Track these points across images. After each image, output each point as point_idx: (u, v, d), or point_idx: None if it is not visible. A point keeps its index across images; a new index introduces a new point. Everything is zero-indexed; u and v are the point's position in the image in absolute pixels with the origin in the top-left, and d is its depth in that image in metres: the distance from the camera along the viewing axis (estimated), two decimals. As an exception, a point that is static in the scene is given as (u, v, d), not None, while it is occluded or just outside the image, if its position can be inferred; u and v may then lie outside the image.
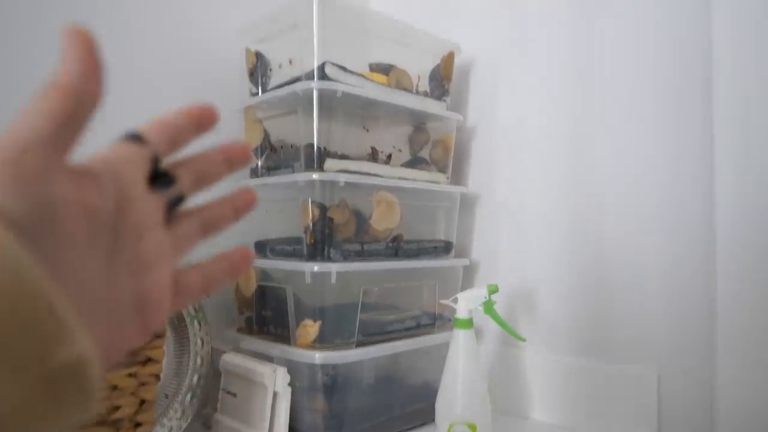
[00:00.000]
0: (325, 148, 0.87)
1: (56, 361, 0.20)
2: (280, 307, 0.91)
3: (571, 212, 0.95)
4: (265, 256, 0.97)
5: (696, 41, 0.82)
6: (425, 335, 0.96)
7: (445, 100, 1.05)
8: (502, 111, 1.06)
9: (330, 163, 0.86)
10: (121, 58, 0.63)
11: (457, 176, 1.11)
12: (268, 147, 0.98)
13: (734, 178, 0.75)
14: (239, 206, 0.35)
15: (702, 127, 0.81)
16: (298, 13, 0.89)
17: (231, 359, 0.89)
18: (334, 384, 0.85)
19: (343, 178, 0.85)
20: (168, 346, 0.90)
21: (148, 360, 0.71)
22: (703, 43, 0.80)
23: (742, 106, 0.75)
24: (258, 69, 0.98)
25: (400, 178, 0.95)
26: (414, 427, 0.94)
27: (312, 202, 0.86)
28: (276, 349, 0.86)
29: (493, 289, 0.86)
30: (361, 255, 0.90)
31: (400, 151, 1.03)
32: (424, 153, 1.06)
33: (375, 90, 0.92)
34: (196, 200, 0.34)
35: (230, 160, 0.34)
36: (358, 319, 0.88)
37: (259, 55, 0.98)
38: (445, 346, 0.86)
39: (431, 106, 1.01)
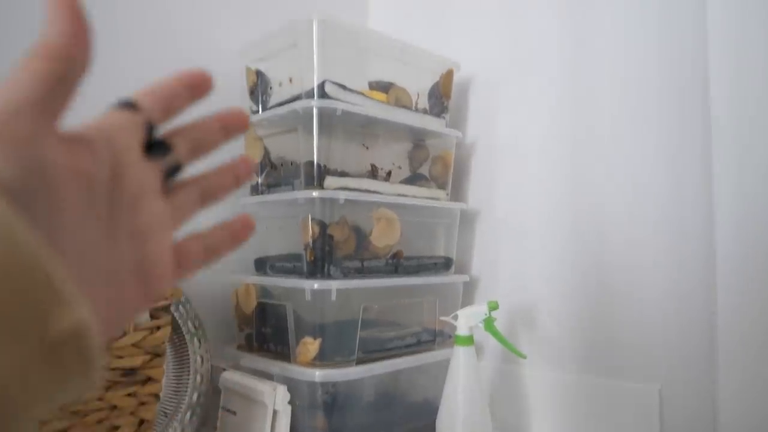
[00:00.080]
0: (325, 166, 0.88)
1: (55, 329, 0.20)
2: (280, 324, 0.90)
3: (571, 228, 0.95)
4: (265, 273, 0.97)
5: (693, 55, 0.82)
6: (426, 352, 0.96)
7: (444, 117, 1.06)
8: (501, 127, 1.07)
9: (330, 181, 0.87)
10: (123, 76, 0.64)
11: (457, 192, 1.12)
12: (268, 164, 0.99)
13: (734, 190, 0.75)
14: (239, 174, 0.34)
15: (700, 140, 0.81)
16: (298, 33, 0.90)
17: (231, 377, 0.88)
18: (334, 402, 0.85)
19: (342, 195, 0.86)
20: (167, 363, 0.89)
21: (148, 379, 0.71)
22: (700, 56, 0.80)
23: (741, 117, 0.75)
24: (258, 87, 0.99)
25: (399, 195, 0.95)
26: (415, 445, 0.93)
27: (312, 219, 0.86)
28: (276, 366, 0.86)
29: (494, 306, 0.86)
30: (361, 272, 0.90)
31: (399, 167, 1.04)
32: (424, 170, 1.06)
33: (374, 108, 0.92)
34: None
35: (227, 127, 0.33)
36: (358, 336, 0.87)
37: (259, 74, 0.99)
38: (445, 363, 0.86)
39: (430, 123, 1.02)
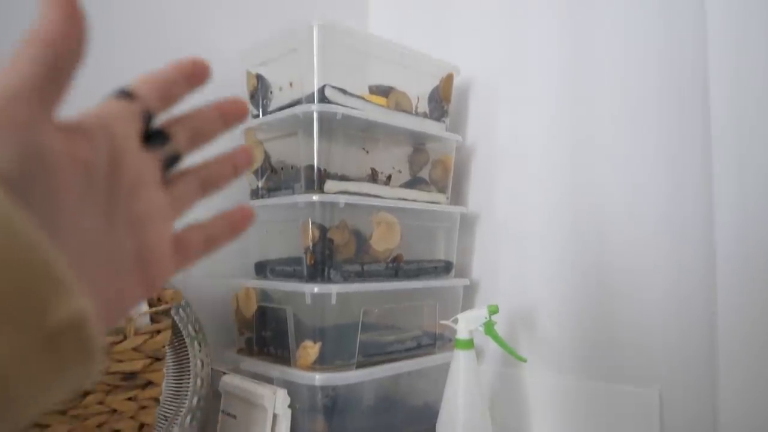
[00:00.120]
0: (325, 170, 0.88)
1: (54, 317, 0.20)
2: (280, 328, 0.91)
3: (571, 231, 0.95)
4: (265, 277, 0.97)
5: (693, 56, 0.82)
6: (426, 356, 0.96)
7: (444, 121, 1.06)
8: (501, 131, 1.07)
9: (330, 185, 0.87)
10: (123, 81, 0.64)
11: (457, 196, 1.12)
12: (268, 168, 0.99)
13: (734, 191, 0.75)
14: (238, 163, 0.34)
15: (700, 141, 0.81)
16: (298, 38, 0.90)
17: (231, 381, 0.88)
18: (334, 405, 0.85)
19: (343, 199, 0.86)
20: (167, 367, 0.89)
21: (148, 383, 0.71)
22: (700, 58, 0.80)
23: (741, 118, 0.75)
24: (259, 91, 0.99)
25: (399, 199, 0.95)
26: (415, 449, 0.93)
27: (312, 223, 0.86)
28: (276, 370, 0.86)
29: (494, 310, 0.87)
30: (361, 275, 0.90)
31: (399, 171, 1.04)
32: (424, 173, 1.07)
33: (375, 112, 0.93)
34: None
35: (226, 115, 0.33)
36: (358, 340, 0.87)
37: (259, 78, 1.00)
38: (445, 367, 0.86)
39: (430, 127, 1.02)
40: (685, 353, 0.82)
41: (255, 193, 0.99)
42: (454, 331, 0.86)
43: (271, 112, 0.95)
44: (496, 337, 0.87)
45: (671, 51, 0.86)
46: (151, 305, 0.76)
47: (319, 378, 0.81)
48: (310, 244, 0.86)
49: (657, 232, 0.86)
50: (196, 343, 0.91)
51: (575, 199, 0.95)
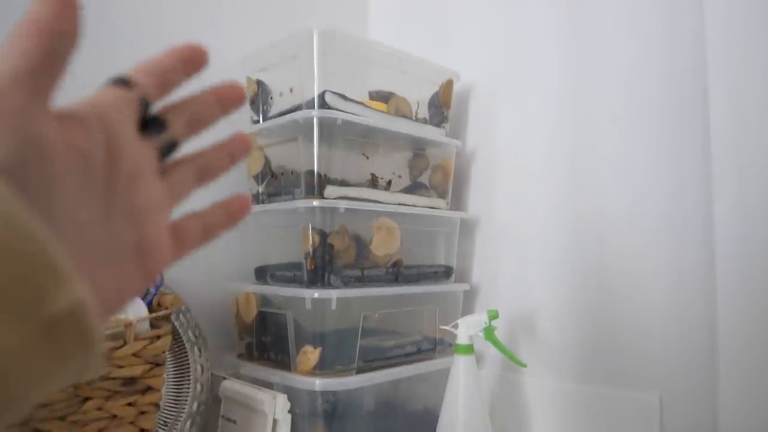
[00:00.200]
0: (325, 175, 0.88)
1: (53, 307, 0.20)
2: (280, 333, 0.91)
3: (571, 235, 0.95)
4: (265, 282, 0.97)
5: (692, 61, 0.83)
6: (426, 361, 0.96)
7: (444, 127, 1.06)
8: (500, 136, 1.08)
9: (330, 190, 0.87)
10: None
11: (457, 201, 1.12)
12: (268, 173, 0.99)
13: (734, 194, 0.76)
14: (235, 151, 0.34)
15: (700, 146, 0.81)
16: (298, 43, 0.91)
17: (231, 386, 0.88)
18: (334, 411, 0.85)
19: (343, 204, 0.86)
20: (167, 372, 0.89)
21: (148, 389, 0.71)
22: (699, 62, 0.81)
23: (740, 122, 0.76)
24: (259, 97, 1.00)
25: (399, 204, 0.95)
26: (415, 455, 0.93)
27: (312, 228, 0.86)
28: (276, 375, 0.86)
29: (494, 315, 0.87)
30: (362, 281, 0.90)
31: (399, 176, 1.04)
32: (424, 178, 1.07)
33: (375, 117, 0.93)
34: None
35: (223, 101, 0.33)
36: (358, 345, 0.87)
37: (260, 84, 1.00)
38: (445, 372, 0.86)
39: (430, 132, 1.02)
40: (686, 357, 0.82)
41: (255, 198, 1.00)
42: (454, 336, 0.87)
43: (271, 118, 0.96)
44: (496, 342, 0.87)
45: (671, 57, 0.86)
46: (151, 311, 0.76)
47: (319, 383, 0.81)
48: (311, 249, 0.86)
49: (657, 236, 0.86)
50: (196, 348, 0.91)
51: (575, 204, 0.95)
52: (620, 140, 0.91)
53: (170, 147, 0.30)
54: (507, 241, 1.04)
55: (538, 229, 0.99)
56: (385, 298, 0.93)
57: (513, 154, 1.05)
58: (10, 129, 0.21)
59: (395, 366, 0.91)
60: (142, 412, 0.71)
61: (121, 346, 0.68)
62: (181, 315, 0.90)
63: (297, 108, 0.90)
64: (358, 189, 0.91)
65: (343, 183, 0.91)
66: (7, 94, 0.21)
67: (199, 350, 0.91)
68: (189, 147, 0.32)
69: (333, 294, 0.84)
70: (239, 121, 1.02)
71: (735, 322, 0.75)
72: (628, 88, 0.90)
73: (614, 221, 0.90)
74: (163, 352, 0.72)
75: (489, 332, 0.87)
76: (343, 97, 0.89)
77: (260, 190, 0.99)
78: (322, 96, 0.87)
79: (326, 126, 0.88)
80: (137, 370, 0.69)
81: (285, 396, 0.80)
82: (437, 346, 1.00)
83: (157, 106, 0.30)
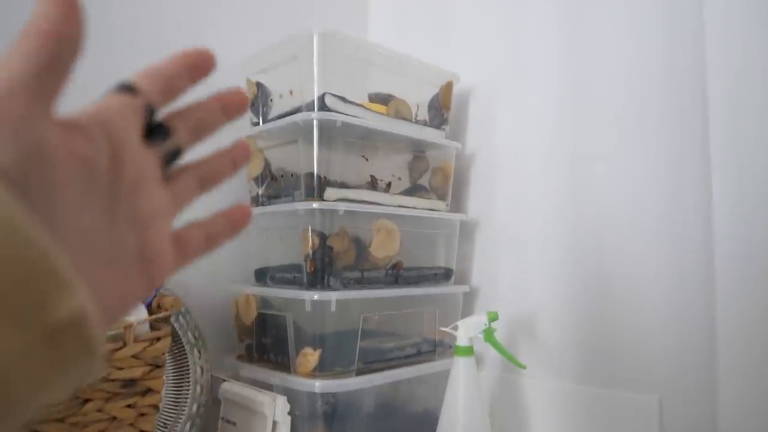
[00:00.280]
0: (325, 177, 0.89)
1: (55, 314, 0.20)
2: (280, 334, 0.91)
3: (570, 238, 0.95)
4: (265, 284, 0.97)
5: (692, 64, 0.83)
6: (426, 362, 0.96)
7: (444, 129, 1.06)
8: (500, 138, 1.08)
9: (330, 192, 0.87)
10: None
11: (457, 203, 1.12)
12: (268, 176, 0.99)
13: (733, 197, 0.76)
14: (237, 158, 0.34)
15: (700, 149, 0.81)
16: (298, 46, 0.91)
17: (230, 388, 0.88)
18: (334, 412, 0.85)
19: (342, 206, 0.86)
20: (167, 374, 0.89)
21: (148, 390, 0.71)
22: (699, 63, 0.81)
23: (740, 122, 0.76)
24: (259, 99, 1.00)
25: (399, 206, 0.95)
26: (415, 457, 0.93)
27: (312, 230, 0.86)
28: (276, 377, 0.86)
29: (493, 317, 0.87)
30: (361, 282, 0.90)
31: (399, 179, 1.04)
32: (424, 180, 1.07)
33: (374, 120, 0.93)
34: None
35: (227, 107, 0.32)
36: (358, 346, 0.88)
37: (260, 86, 1.00)
38: (445, 374, 0.86)
39: (430, 134, 1.03)
40: (685, 359, 0.82)
41: (255, 200, 1.00)
42: (454, 338, 0.87)
43: (271, 120, 0.96)
44: (495, 344, 0.87)
45: (671, 57, 0.86)
46: (151, 312, 0.76)
47: (318, 385, 0.81)
48: (310, 251, 0.86)
49: (657, 239, 0.86)
50: (195, 350, 0.91)
51: (575, 206, 0.95)
52: (620, 141, 0.91)
53: (174, 154, 0.30)
54: (507, 243, 1.04)
55: (537, 230, 0.99)
56: (384, 300, 0.93)
57: (513, 156, 1.05)
58: (13, 135, 0.21)
59: (395, 368, 0.91)
60: (142, 414, 0.71)
61: (120, 348, 0.68)
62: (180, 317, 0.90)
63: (297, 110, 0.90)
64: (357, 191, 0.91)
65: (343, 185, 0.92)
66: (10, 99, 0.21)
67: (199, 352, 0.91)
68: (189, 153, 0.32)
69: (333, 296, 0.84)
70: (239, 124, 1.02)
71: (735, 323, 0.75)
72: (628, 89, 0.90)
73: (614, 222, 0.90)
74: (163, 353, 0.72)
75: (489, 334, 0.87)
76: (343, 99, 0.89)
77: (260, 192, 0.99)
78: (321, 98, 0.87)
79: (326, 128, 0.88)
80: (137, 372, 0.69)
81: (285, 398, 0.80)
82: (437, 347, 1.00)
83: (162, 112, 0.30)
